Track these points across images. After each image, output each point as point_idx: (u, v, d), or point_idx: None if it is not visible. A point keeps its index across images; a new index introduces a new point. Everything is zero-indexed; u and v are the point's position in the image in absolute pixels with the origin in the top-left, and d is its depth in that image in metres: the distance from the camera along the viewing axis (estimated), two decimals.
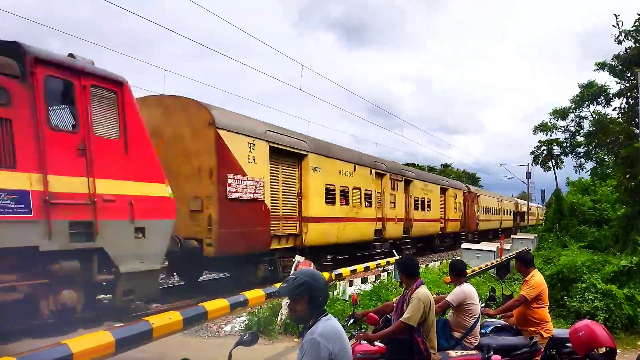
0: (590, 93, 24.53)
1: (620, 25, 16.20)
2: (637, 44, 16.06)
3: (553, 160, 29.81)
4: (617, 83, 18.57)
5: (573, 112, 27.00)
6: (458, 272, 4.92)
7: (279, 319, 7.66)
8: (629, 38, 16.29)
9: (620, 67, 17.32)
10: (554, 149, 29.82)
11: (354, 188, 16.28)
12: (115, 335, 3.75)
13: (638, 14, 15.85)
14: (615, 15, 16.13)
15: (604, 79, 24.10)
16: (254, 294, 6.05)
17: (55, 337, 6.27)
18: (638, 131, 14.27)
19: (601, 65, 22.45)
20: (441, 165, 69.36)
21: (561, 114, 27.62)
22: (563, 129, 28.25)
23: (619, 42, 16.60)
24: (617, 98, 19.03)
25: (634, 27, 15.98)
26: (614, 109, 19.19)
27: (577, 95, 25.56)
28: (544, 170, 30.67)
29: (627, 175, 15.82)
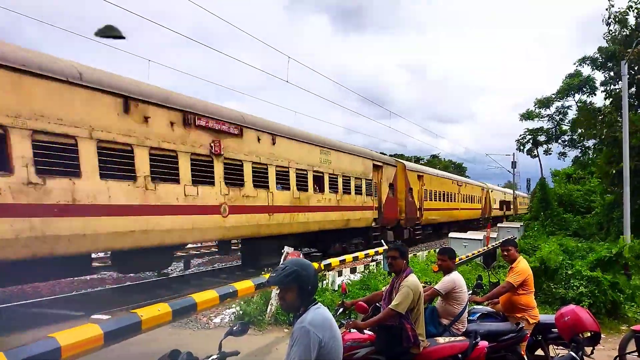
0: (575, 84, 24.82)
1: (610, 8, 16.42)
2: (622, 28, 16.27)
3: (539, 148, 30.21)
4: (602, 73, 18.85)
5: (558, 101, 27.31)
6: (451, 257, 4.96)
7: (268, 309, 7.68)
8: (616, 21, 16.50)
9: (602, 59, 17.61)
10: (539, 137, 30.15)
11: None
12: (103, 328, 3.72)
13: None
14: None
15: (588, 72, 24.49)
16: (243, 285, 6.05)
17: (42, 330, 6.24)
18: (622, 120, 14.51)
19: (582, 60, 22.74)
20: (430, 156, 69.81)
21: (545, 103, 27.93)
22: (547, 117, 28.59)
23: (608, 24, 16.80)
24: (602, 87, 19.33)
25: (621, 12, 16.18)
26: (604, 97, 19.40)
27: (562, 85, 25.84)
28: (532, 157, 30.97)
29: (610, 162, 16.13)
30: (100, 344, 3.66)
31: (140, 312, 4.19)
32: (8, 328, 6.79)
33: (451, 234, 16.98)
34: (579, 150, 25.95)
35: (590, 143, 24.09)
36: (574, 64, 22.88)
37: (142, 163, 8.61)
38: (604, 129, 17.03)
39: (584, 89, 24.37)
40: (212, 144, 10.35)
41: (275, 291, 7.39)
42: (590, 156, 24.89)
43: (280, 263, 3.03)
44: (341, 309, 4.38)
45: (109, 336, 3.73)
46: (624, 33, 16.24)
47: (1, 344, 5.87)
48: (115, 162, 8.18)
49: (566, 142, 27.60)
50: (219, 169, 10.52)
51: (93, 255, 9.99)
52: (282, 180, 13.09)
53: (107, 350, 3.89)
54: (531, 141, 30.76)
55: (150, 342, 5.74)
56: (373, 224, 18.58)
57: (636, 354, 5.21)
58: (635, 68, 16.08)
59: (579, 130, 23.21)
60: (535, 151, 30.67)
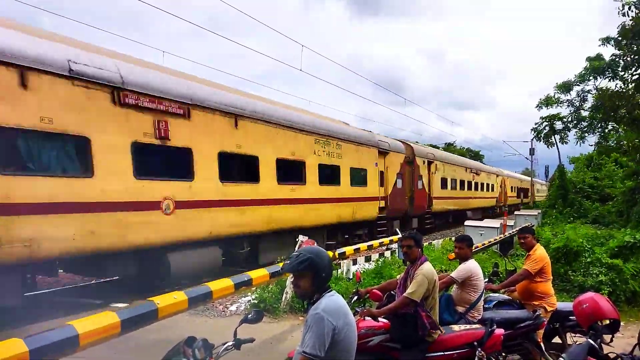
0: (596, 67, 24.20)
1: None
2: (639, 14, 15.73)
3: (556, 136, 29.57)
4: (624, 55, 18.22)
5: (578, 85, 26.65)
6: (469, 245, 4.93)
7: (283, 297, 7.72)
8: (632, 9, 15.97)
9: (624, 40, 17.00)
10: (555, 125, 29.50)
11: None
12: (120, 315, 3.77)
13: None
14: None
15: (611, 52, 23.79)
16: (258, 274, 6.09)
17: (60, 319, 6.36)
18: None
19: (606, 40, 22.08)
20: (445, 144, 68.96)
21: (565, 87, 27.24)
22: (567, 103, 27.89)
23: (624, 14, 16.27)
24: (624, 71, 18.72)
25: None
26: (629, 80, 18.69)
27: (583, 69, 25.19)
28: (548, 147, 30.28)
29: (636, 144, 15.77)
30: (117, 332, 3.72)
31: (156, 299, 4.25)
32: (28, 315, 6.94)
33: (467, 222, 16.83)
34: (599, 136, 25.30)
35: (610, 127, 23.51)
36: (599, 45, 22.11)
37: None
38: (624, 109, 16.60)
39: (606, 73, 23.71)
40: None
41: (290, 279, 7.43)
42: (611, 140, 24.30)
43: (295, 251, 3.02)
44: (355, 297, 4.37)
45: (126, 324, 3.79)
46: None
47: (20, 331, 6.00)
48: None
49: (585, 128, 26.93)
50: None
51: None
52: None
53: (125, 337, 3.95)
54: (547, 128, 30.13)
55: (166, 329, 5.82)
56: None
57: None
58: None
59: (598, 116, 22.66)
60: (553, 138, 30.06)
